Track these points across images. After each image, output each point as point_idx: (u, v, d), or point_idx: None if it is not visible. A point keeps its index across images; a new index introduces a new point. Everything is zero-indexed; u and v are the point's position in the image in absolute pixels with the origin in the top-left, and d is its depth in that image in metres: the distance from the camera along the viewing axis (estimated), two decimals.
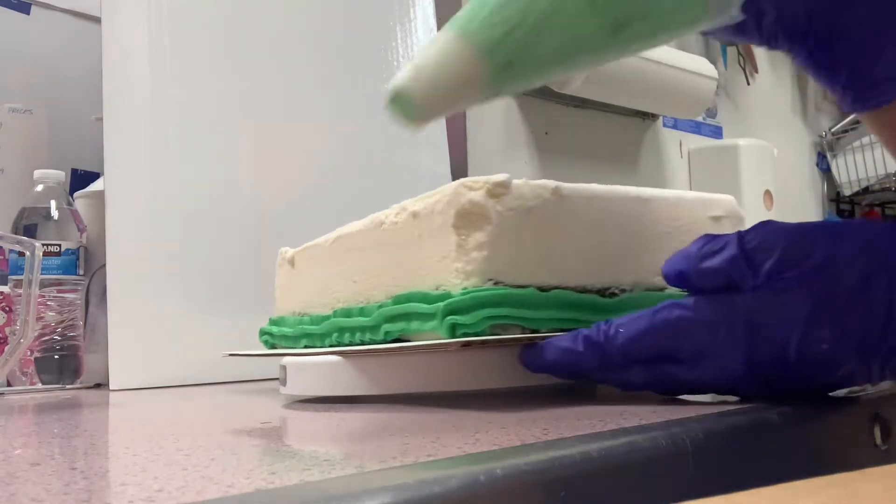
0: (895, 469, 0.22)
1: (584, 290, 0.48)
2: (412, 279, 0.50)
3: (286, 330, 0.63)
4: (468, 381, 0.46)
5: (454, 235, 0.46)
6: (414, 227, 0.50)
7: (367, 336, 0.52)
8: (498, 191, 0.46)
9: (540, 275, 0.46)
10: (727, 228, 0.53)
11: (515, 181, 0.47)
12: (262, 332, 0.67)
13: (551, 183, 0.48)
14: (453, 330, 0.44)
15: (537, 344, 0.43)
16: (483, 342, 0.43)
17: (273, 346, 0.66)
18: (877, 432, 0.39)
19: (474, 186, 0.46)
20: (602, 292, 0.49)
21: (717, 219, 0.54)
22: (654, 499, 0.28)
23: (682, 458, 0.30)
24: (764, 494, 0.21)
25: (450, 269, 0.46)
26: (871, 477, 0.22)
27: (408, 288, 0.49)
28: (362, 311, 0.53)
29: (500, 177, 0.46)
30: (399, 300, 0.49)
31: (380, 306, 0.51)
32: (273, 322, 0.66)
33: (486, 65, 0.33)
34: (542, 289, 0.46)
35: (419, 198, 0.49)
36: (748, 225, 0.40)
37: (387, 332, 0.50)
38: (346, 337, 0.54)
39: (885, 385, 0.42)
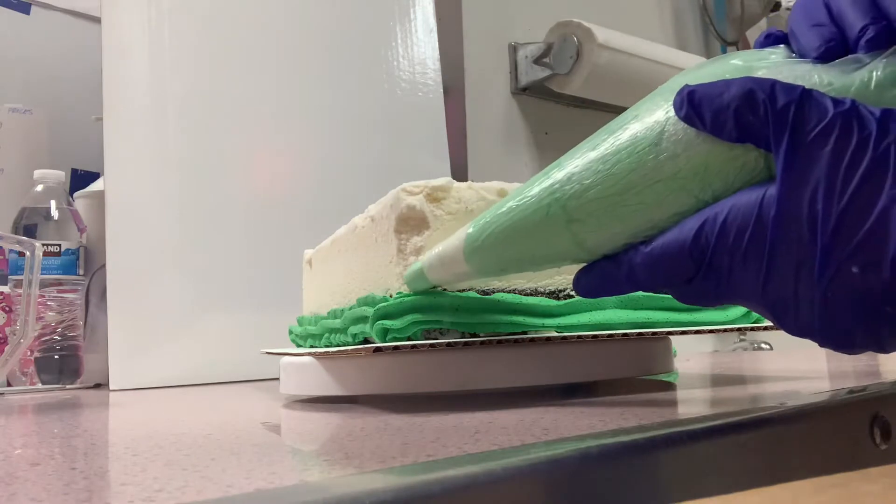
0: (895, 469, 0.22)
1: (534, 293, 0.47)
2: (372, 282, 0.50)
3: (298, 329, 0.64)
4: (428, 383, 0.45)
5: (395, 240, 0.46)
6: (373, 231, 0.50)
7: (341, 337, 0.53)
8: (438, 195, 0.47)
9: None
10: None
11: (458, 184, 0.47)
12: (290, 332, 0.68)
13: (497, 184, 0.48)
14: (384, 334, 0.44)
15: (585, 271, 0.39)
16: (395, 348, 0.43)
17: (299, 346, 0.67)
18: (877, 432, 0.39)
19: (413, 191, 0.47)
20: (556, 294, 0.48)
21: None
22: (653, 499, 0.28)
23: (682, 458, 0.30)
24: (764, 494, 0.21)
25: (393, 273, 0.46)
26: (871, 477, 0.22)
27: (368, 291, 0.50)
28: (340, 313, 0.54)
29: (439, 181, 0.47)
30: (359, 303, 0.49)
31: (350, 308, 0.51)
32: (298, 321, 0.67)
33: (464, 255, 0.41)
34: (485, 292, 0.46)
35: (378, 202, 0.50)
36: None
37: (353, 335, 0.50)
38: (333, 338, 0.55)
39: (885, 385, 0.42)
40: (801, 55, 0.34)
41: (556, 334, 0.46)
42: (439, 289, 0.45)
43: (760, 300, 0.33)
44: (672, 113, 0.34)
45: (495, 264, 0.40)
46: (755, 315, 0.52)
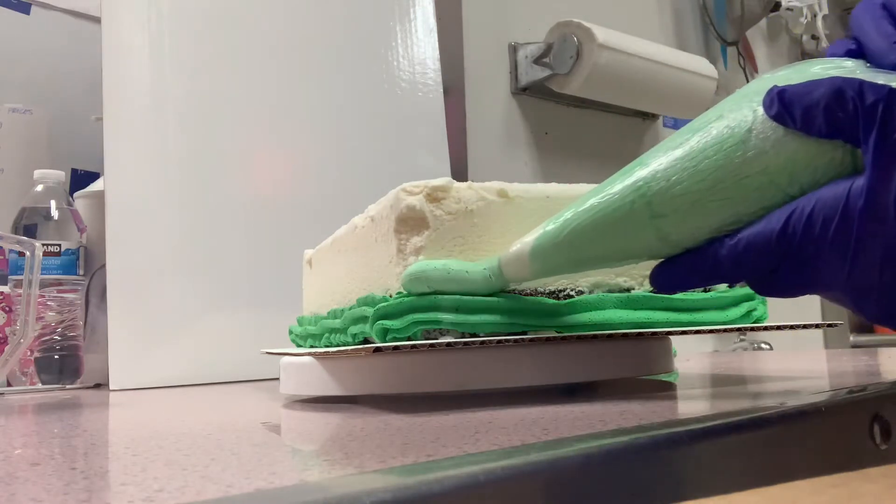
0: (895, 469, 0.22)
1: (534, 293, 0.47)
2: (372, 282, 0.50)
3: (298, 329, 0.64)
4: (428, 383, 0.46)
5: (395, 240, 0.46)
6: (373, 231, 0.50)
7: (340, 337, 0.53)
8: (437, 195, 0.47)
9: None
10: None
11: (458, 184, 0.47)
12: (290, 332, 0.68)
13: (497, 185, 0.48)
14: (384, 334, 0.44)
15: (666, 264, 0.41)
16: (395, 348, 0.43)
17: (299, 346, 0.67)
18: (877, 432, 0.39)
19: (413, 191, 0.47)
20: (556, 295, 0.48)
21: None
22: (654, 499, 0.28)
23: (682, 458, 0.30)
24: (764, 494, 0.21)
25: (393, 273, 0.46)
26: (871, 477, 0.22)
27: (368, 291, 0.50)
28: (340, 313, 0.54)
29: (439, 181, 0.47)
30: (359, 303, 0.49)
31: (350, 308, 0.51)
32: (298, 321, 0.67)
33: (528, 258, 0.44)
34: (489, 293, 0.46)
35: (378, 202, 0.50)
36: None
37: (353, 335, 0.50)
38: (333, 338, 0.55)
39: (885, 385, 0.42)
40: (875, 64, 0.37)
41: (556, 334, 0.46)
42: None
43: (844, 288, 0.35)
44: (760, 112, 0.36)
45: (574, 260, 0.42)
46: (756, 315, 0.52)
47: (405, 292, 0.45)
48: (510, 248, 0.44)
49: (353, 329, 0.50)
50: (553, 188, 0.49)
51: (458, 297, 0.45)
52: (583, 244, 0.41)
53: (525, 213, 0.48)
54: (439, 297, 0.44)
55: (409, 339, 0.44)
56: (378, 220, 0.49)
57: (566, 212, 0.42)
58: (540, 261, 0.43)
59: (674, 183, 0.38)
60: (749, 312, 0.52)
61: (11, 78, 0.99)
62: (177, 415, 0.53)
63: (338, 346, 0.53)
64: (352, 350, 0.45)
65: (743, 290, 0.52)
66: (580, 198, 0.42)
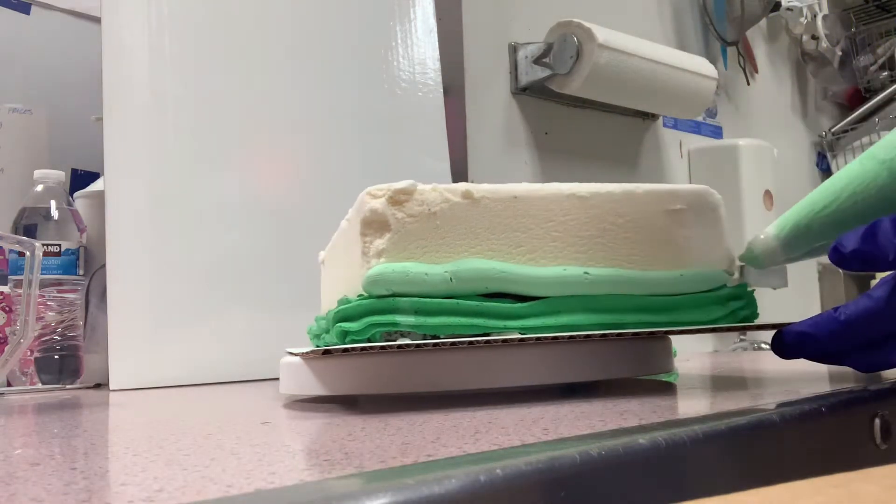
0: (895, 469, 0.22)
1: (498, 295, 0.47)
2: (349, 284, 0.51)
3: (314, 328, 0.65)
4: (428, 383, 0.46)
5: (360, 243, 0.47)
6: (349, 233, 0.51)
7: (328, 337, 0.53)
8: (400, 198, 0.47)
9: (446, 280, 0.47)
10: (690, 221, 0.52)
11: (422, 186, 0.47)
12: (308, 331, 0.69)
13: (462, 186, 0.48)
14: (343, 336, 0.45)
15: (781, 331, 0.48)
16: (345, 350, 0.44)
17: (317, 346, 0.67)
18: (877, 432, 0.39)
19: (377, 195, 0.47)
20: (520, 296, 0.48)
21: (675, 212, 0.52)
22: (654, 499, 0.28)
23: (682, 458, 0.30)
24: (764, 494, 0.21)
25: (359, 275, 0.47)
26: (871, 477, 0.22)
27: (346, 292, 0.50)
28: (331, 314, 0.55)
29: (402, 183, 0.47)
30: (339, 304, 0.50)
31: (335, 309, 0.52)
32: (315, 320, 0.68)
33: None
34: (450, 295, 0.46)
35: (354, 205, 0.51)
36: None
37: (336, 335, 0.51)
38: (325, 338, 0.55)
39: (885, 385, 0.42)
40: None
41: (518, 336, 0.45)
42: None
43: None
44: None
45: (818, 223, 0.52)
46: (743, 314, 0.51)
47: (366, 294, 0.45)
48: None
49: (335, 329, 0.51)
50: (521, 188, 0.49)
51: (417, 299, 0.45)
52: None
53: (491, 214, 0.48)
54: (398, 299, 0.45)
55: (368, 340, 0.45)
56: (351, 222, 0.50)
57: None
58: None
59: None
60: (734, 312, 0.51)
61: (11, 78, 0.99)
62: (177, 415, 0.53)
63: (325, 346, 0.53)
64: (308, 353, 0.46)
65: (729, 289, 0.52)
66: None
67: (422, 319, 0.45)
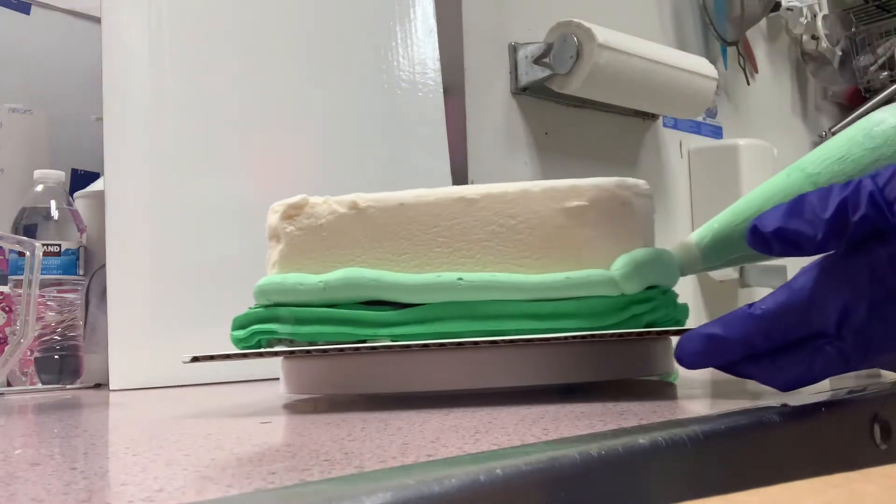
0: (895, 469, 0.22)
1: (377, 303, 0.48)
2: None
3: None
4: (428, 383, 0.46)
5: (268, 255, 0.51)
6: None
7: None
8: (291, 212, 0.50)
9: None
10: (593, 219, 0.48)
11: (314, 200, 0.50)
12: None
13: (349, 197, 0.49)
14: (237, 343, 0.49)
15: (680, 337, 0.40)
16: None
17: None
18: (877, 432, 0.39)
19: (276, 210, 0.50)
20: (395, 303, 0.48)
21: (575, 209, 0.48)
22: (654, 499, 0.28)
23: (682, 458, 0.30)
24: (764, 494, 0.21)
25: None
26: (871, 477, 0.22)
27: None
28: None
29: (295, 199, 0.50)
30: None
31: None
32: None
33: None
34: (332, 304, 0.47)
35: None
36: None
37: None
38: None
39: (885, 385, 0.42)
40: None
41: (392, 343, 0.45)
42: None
43: None
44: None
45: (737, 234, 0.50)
46: (647, 319, 0.48)
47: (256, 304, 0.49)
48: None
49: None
50: (409, 195, 0.49)
51: (297, 308, 0.47)
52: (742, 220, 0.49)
53: (377, 224, 0.49)
54: (280, 308, 0.48)
55: (256, 346, 0.48)
56: None
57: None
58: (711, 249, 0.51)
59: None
60: (636, 317, 0.47)
61: (11, 78, 0.99)
62: (177, 415, 0.53)
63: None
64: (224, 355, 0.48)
65: (631, 294, 0.47)
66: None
67: (298, 328, 0.47)
